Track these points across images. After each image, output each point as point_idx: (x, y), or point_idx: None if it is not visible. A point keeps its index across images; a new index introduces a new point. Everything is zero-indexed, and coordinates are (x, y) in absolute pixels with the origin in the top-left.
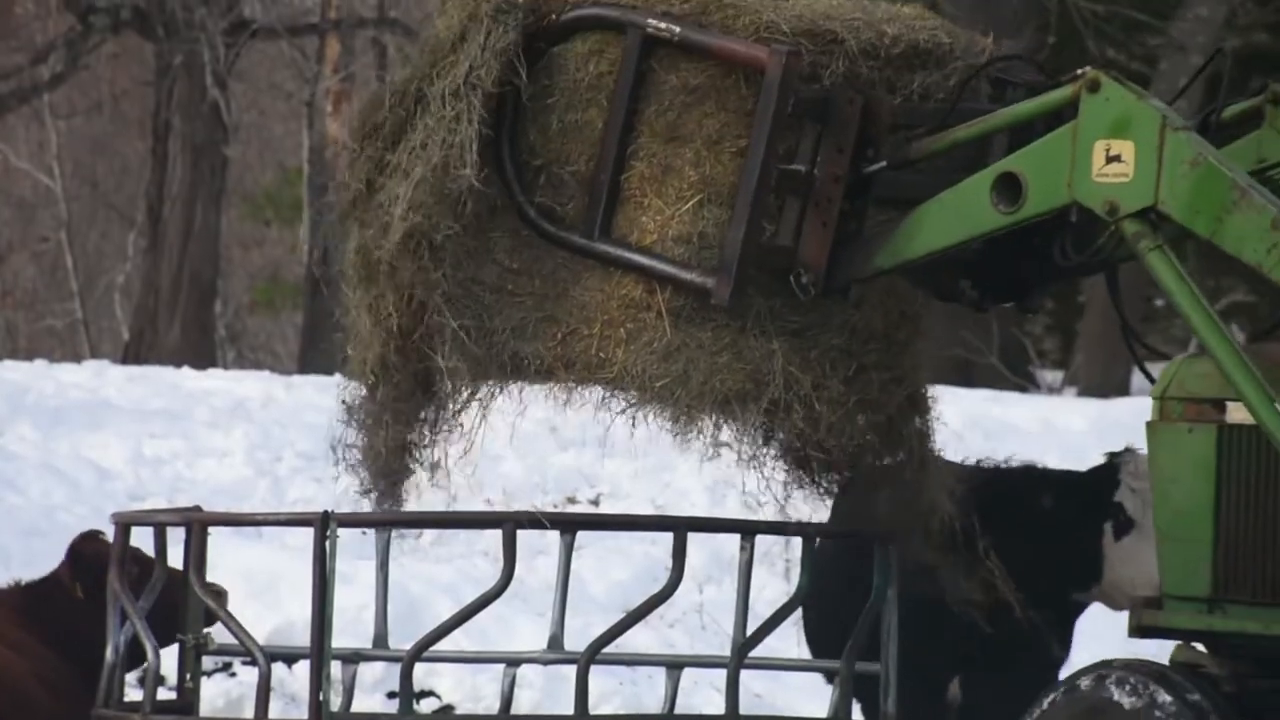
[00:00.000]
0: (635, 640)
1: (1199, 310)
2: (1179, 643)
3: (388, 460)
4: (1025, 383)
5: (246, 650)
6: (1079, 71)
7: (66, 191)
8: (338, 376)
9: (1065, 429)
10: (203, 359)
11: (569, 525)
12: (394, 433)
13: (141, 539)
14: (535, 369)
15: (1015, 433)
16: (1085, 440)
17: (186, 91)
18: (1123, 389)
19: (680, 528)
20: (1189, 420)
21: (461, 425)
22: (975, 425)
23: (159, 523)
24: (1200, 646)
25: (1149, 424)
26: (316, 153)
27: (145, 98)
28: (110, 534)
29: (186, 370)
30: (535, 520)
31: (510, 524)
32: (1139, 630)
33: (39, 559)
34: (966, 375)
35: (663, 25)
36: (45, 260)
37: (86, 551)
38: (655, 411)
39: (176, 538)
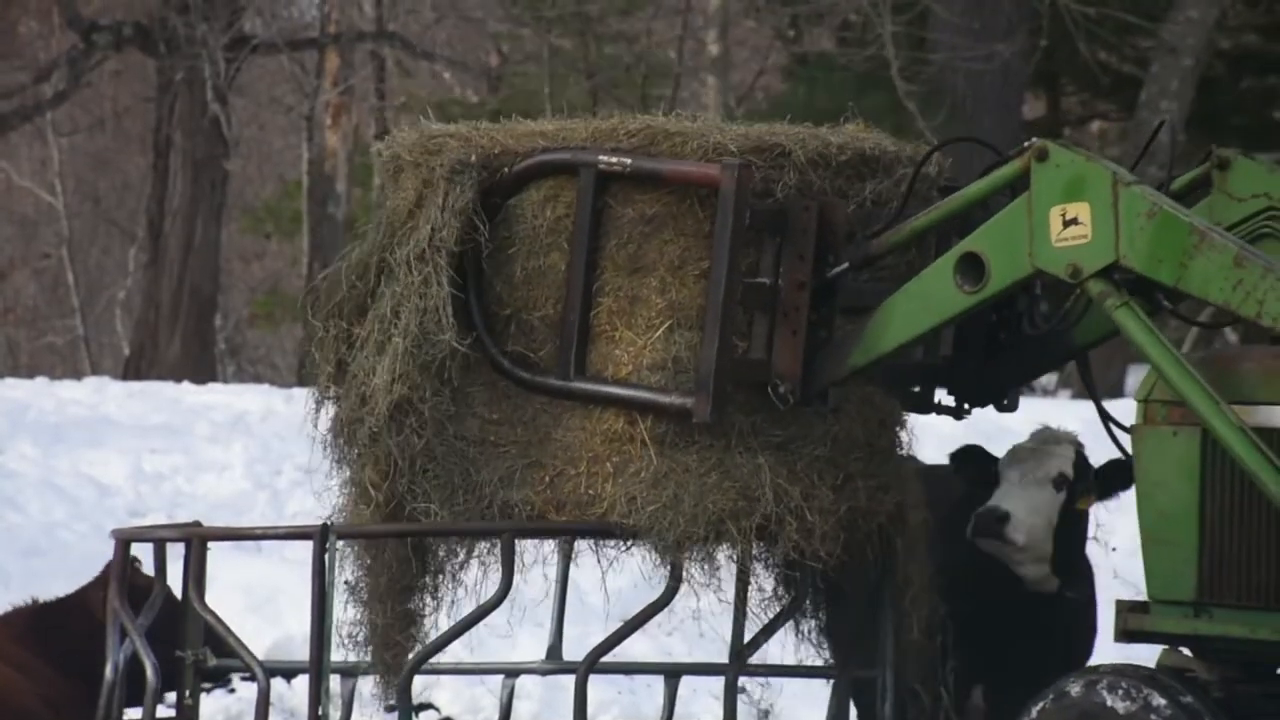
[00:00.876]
0: (633, 649)
1: (1169, 360)
2: (1165, 648)
3: (390, 633)
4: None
5: (246, 665)
6: (1025, 144)
7: (68, 208)
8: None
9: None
10: (203, 373)
11: (567, 534)
12: (393, 606)
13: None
14: (526, 516)
15: (1010, 435)
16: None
17: (187, 107)
18: (1117, 391)
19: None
20: (1173, 424)
21: (464, 585)
22: (971, 427)
23: (159, 539)
24: (1187, 651)
25: (1133, 427)
26: (316, 165)
27: (146, 114)
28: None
29: (186, 385)
30: (534, 530)
31: (508, 533)
32: (1125, 635)
33: (39, 577)
34: None
35: (614, 160)
36: (46, 277)
37: (138, 583)
38: (652, 540)
39: (176, 553)
